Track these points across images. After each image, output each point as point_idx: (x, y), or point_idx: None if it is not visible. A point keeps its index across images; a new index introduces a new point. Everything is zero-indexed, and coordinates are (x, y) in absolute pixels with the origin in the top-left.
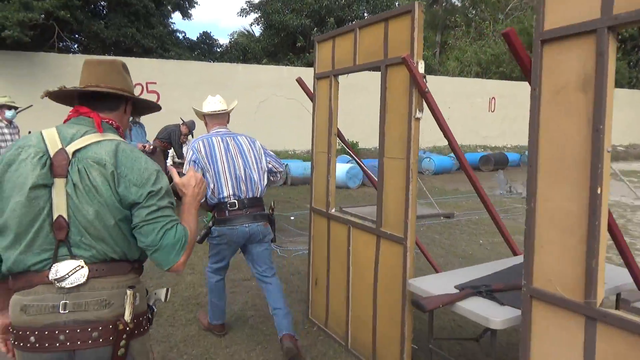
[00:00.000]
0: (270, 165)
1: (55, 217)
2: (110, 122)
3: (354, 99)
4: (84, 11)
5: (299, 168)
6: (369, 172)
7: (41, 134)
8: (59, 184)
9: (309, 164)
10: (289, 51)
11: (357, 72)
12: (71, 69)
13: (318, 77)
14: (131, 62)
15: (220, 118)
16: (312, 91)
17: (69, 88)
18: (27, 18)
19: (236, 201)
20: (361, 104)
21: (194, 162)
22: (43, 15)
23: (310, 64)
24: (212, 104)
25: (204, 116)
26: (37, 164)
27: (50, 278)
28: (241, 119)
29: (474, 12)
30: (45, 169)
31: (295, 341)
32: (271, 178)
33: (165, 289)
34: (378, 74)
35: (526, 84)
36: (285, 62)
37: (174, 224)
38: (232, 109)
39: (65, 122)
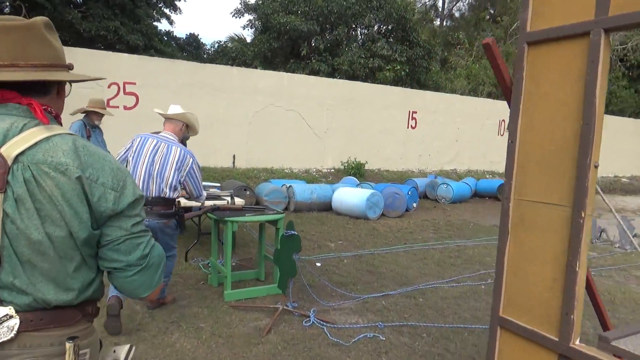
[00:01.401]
0: (181, 183)
1: None
2: (48, 109)
3: (355, 116)
4: None
5: (304, 192)
6: None
7: None
8: None
9: (316, 186)
10: (289, 58)
11: (355, 85)
12: None
13: (539, 41)
14: (107, 58)
15: (173, 124)
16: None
17: None
18: None
19: None
20: (363, 122)
21: (125, 150)
22: None
23: (315, 73)
24: (171, 108)
25: (187, 126)
26: None
27: None
28: (233, 129)
29: (476, 32)
30: None
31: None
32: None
33: (127, 345)
34: (382, 87)
35: None
36: (283, 69)
37: (150, 235)
38: (186, 122)
39: None
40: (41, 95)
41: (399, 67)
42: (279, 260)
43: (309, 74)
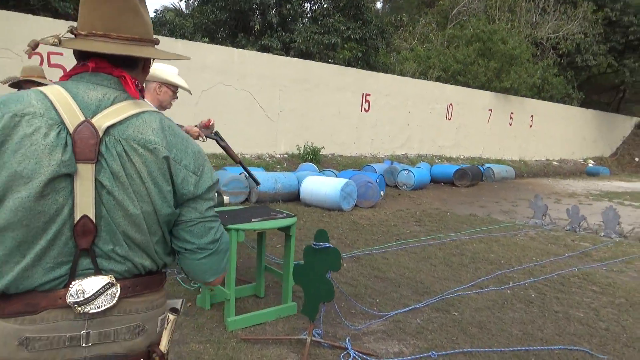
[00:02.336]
0: None
1: (77, 217)
2: (136, 82)
3: (309, 98)
4: None
5: (268, 181)
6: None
7: (45, 96)
8: (85, 171)
9: (280, 175)
10: (236, 32)
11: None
12: None
13: None
14: (26, 21)
15: (145, 89)
16: None
17: (64, 39)
18: None
19: None
20: (317, 104)
21: None
22: None
23: (267, 49)
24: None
25: (161, 84)
26: (54, 144)
27: (68, 300)
28: (178, 110)
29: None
30: (67, 151)
31: None
32: None
33: (180, 299)
34: (336, 68)
35: (485, 92)
36: (229, 45)
37: (220, 221)
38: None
39: (67, 78)
40: (130, 69)
41: (354, 45)
42: (304, 280)
43: (260, 50)
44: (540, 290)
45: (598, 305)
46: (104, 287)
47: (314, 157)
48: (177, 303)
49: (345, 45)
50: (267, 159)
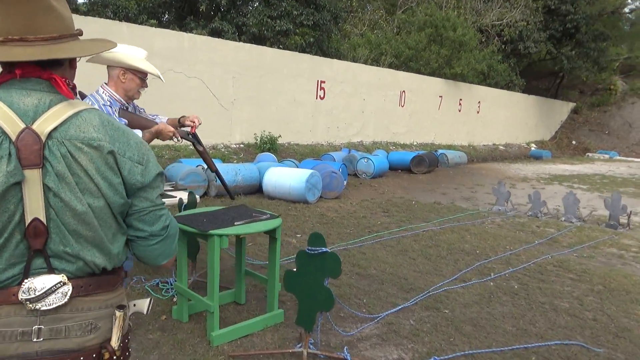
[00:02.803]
0: None
1: (28, 221)
2: (67, 81)
3: (263, 85)
4: None
5: (228, 173)
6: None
7: None
8: (32, 177)
9: (240, 166)
10: (184, 15)
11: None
12: None
13: None
14: None
15: (108, 76)
16: None
17: None
18: None
19: None
20: (272, 91)
21: None
22: None
23: (218, 33)
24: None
25: (124, 70)
26: None
27: (20, 297)
28: None
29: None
30: (12, 160)
31: None
32: None
33: (147, 299)
34: (290, 54)
35: (436, 79)
36: (177, 29)
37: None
38: (118, 65)
39: None
40: (56, 67)
41: (307, 31)
42: (298, 288)
43: (211, 35)
44: (521, 280)
45: (579, 293)
46: (55, 285)
47: (271, 147)
48: (144, 303)
49: (297, 31)
50: (223, 150)
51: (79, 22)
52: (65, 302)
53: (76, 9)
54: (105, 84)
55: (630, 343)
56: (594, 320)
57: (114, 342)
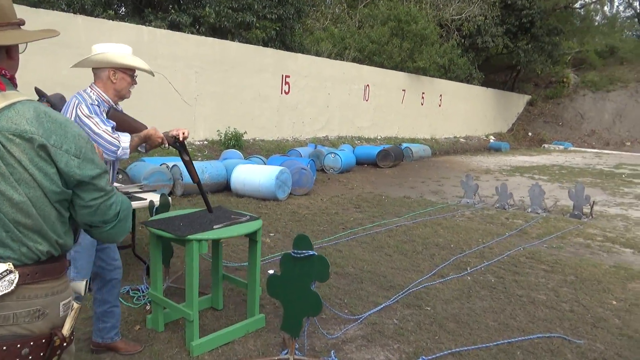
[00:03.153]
0: None
1: None
2: (2, 71)
3: (227, 80)
4: None
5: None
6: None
7: None
8: None
9: (207, 164)
10: (140, 7)
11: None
12: None
13: None
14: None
15: (96, 76)
16: None
17: None
18: None
19: None
20: (236, 86)
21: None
22: None
23: (176, 26)
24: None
25: (115, 69)
26: None
27: None
28: None
29: None
30: None
31: None
32: None
33: (84, 280)
34: (254, 48)
35: (399, 73)
36: (133, 21)
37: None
38: (107, 66)
39: None
40: None
41: (270, 24)
42: (283, 293)
43: (170, 27)
44: (497, 273)
45: (554, 285)
46: (1, 273)
47: (236, 143)
48: (81, 285)
49: (259, 24)
50: (187, 147)
51: (29, 14)
52: (12, 290)
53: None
54: (94, 84)
55: (608, 333)
56: (571, 312)
57: (66, 330)
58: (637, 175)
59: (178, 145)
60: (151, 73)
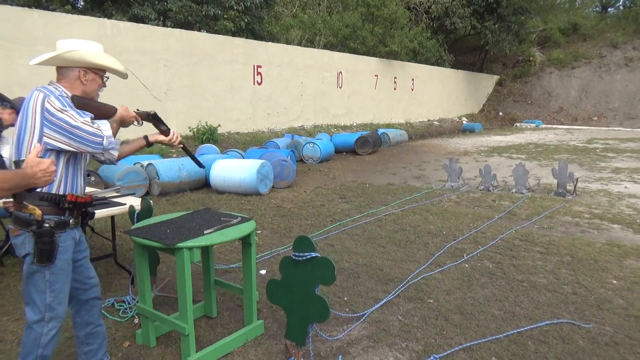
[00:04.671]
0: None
1: None
2: None
3: (197, 73)
4: None
5: (170, 169)
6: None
7: None
8: None
9: (183, 161)
10: (99, 1)
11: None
12: None
13: None
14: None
15: (62, 75)
16: None
17: None
18: None
19: None
20: (207, 79)
21: None
22: None
23: (140, 20)
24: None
25: (85, 70)
26: None
27: None
28: None
29: None
30: None
31: None
32: None
33: None
34: (223, 38)
35: (371, 59)
36: (94, 14)
37: None
38: (78, 65)
39: None
40: None
41: (238, 15)
42: (284, 299)
43: (132, 21)
44: (494, 259)
45: (552, 267)
46: None
47: (211, 137)
48: None
49: (226, 16)
50: (159, 144)
51: None
52: None
53: None
54: (57, 83)
55: (614, 315)
56: (574, 294)
57: None
58: (610, 149)
59: (151, 117)
60: (124, 76)
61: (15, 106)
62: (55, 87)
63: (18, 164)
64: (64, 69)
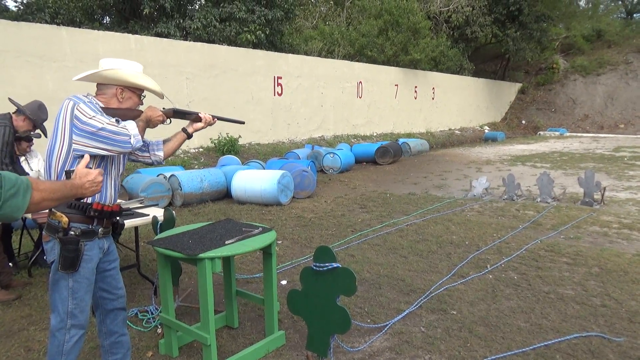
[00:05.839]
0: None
1: None
2: None
3: (219, 85)
4: None
5: (192, 180)
6: None
7: None
8: None
9: (205, 172)
10: (127, 18)
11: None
12: None
13: None
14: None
15: (101, 91)
16: None
17: None
18: None
19: None
20: (228, 91)
21: None
22: None
23: (163, 37)
24: (102, 64)
25: (122, 88)
26: None
27: None
28: None
29: None
30: None
31: None
32: None
33: None
34: (244, 51)
35: (391, 68)
36: (120, 30)
37: None
38: (116, 83)
39: None
40: None
41: (259, 28)
42: (305, 310)
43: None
44: (518, 270)
45: (580, 278)
46: None
47: (232, 148)
48: None
49: (246, 29)
50: (182, 155)
51: (11, 29)
52: None
53: (5, 10)
54: (94, 96)
55: None
56: (604, 307)
57: None
58: (638, 158)
59: (176, 113)
60: (161, 96)
61: (25, 112)
62: (85, 96)
63: (68, 174)
64: (103, 85)
